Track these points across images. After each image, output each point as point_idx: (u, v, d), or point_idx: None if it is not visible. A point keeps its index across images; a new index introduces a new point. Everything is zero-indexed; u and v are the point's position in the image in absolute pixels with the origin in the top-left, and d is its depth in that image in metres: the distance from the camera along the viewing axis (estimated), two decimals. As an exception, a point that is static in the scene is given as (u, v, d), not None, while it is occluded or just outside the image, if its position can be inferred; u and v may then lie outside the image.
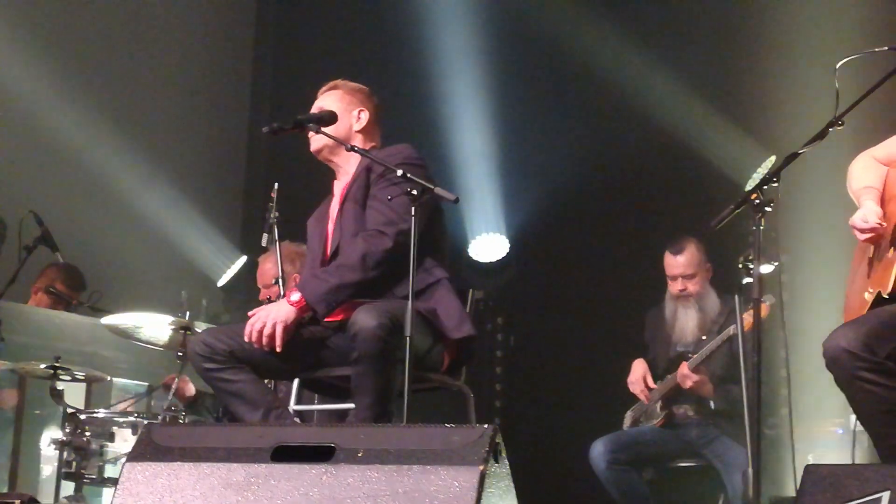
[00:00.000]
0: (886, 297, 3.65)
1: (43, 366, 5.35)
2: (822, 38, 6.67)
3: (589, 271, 7.48)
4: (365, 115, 4.49)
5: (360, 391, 4.03)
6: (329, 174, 4.66)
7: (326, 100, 4.52)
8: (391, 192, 4.23)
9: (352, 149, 4.36)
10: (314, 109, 4.50)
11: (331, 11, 8.26)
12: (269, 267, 5.73)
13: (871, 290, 3.71)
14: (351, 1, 8.35)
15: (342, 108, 4.48)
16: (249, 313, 4.22)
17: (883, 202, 3.82)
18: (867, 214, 3.71)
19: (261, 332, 4.12)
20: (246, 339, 4.15)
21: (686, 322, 5.91)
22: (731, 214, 3.96)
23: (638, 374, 5.96)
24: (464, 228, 7.69)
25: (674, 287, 5.93)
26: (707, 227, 4.01)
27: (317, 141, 4.45)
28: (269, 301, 5.63)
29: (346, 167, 4.46)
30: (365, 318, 3.97)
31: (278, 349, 4.13)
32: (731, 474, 5.53)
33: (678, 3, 7.55)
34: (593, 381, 6.96)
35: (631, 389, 5.98)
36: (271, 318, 4.13)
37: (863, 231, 3.71)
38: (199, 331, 5.02)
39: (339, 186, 4.51)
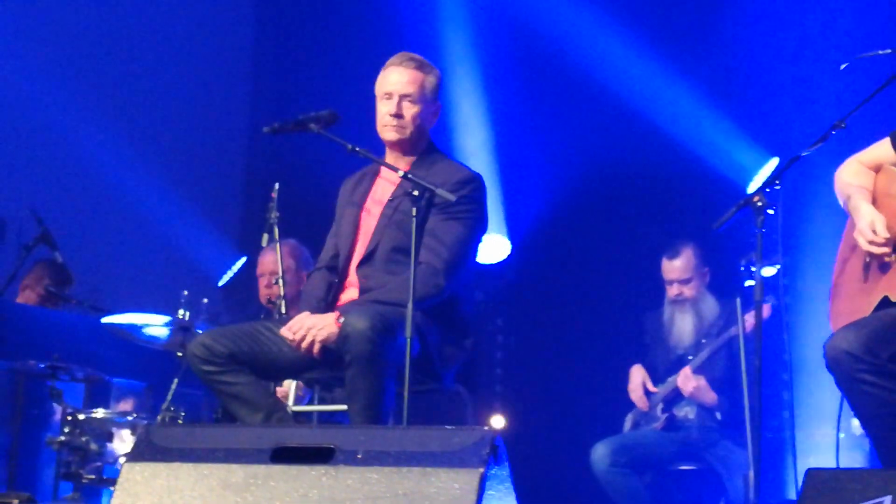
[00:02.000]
0: (894, 301, 3.63)
1: (41, 365, 5.34)
2: (825, 41, 6.66)
3: (590, 274, 7.47)
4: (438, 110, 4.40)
5: (353, 394, 3.99)
6: (331, 176, 4.63)
7: (407, 85, 4.29)
8: (452, 228, 4.18)
9: (427, 153, 4.31)
10: (388, 85, 4.28)
11: (332, 9, 8.25)
12: (271, 260, 5.70)
13: (877, 294, 3.69)
14: (352, -1, 8.35)
15: (426, 98, 4.31)
16: (289, 325, 4.13)
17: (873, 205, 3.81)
18: (876, 223, 3.68)
19: (301, 340, 4.10)
20: (286, 338, 4.12)
21: (683, 326, 5.92)
22: (732, 216, 3.95)
23: (637, 381, 5.96)
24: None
25: (670, 291, 5.95)
26: (709, 230, 4.01)
27: (400, 131, 4.27)
28: (270, 303, 5.63)
29: (400, 163, 4.31)
30: (356, 320, 3.93)
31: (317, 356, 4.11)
32: (732, 477, 5.52)
33: (679, 6, 7.54)
34: (594, 384, 6.95)
35: (630, 397, 5.98)
36: (313, 332, 4.08)
37: (872, 243, 3.68)
38: (199, 331, 5.02)
39: (389, 178, 4.36)
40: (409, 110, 4.27)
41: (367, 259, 4.28)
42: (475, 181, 4.29)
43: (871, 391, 3.51)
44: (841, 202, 3.91)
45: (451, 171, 4.29)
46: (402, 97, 4.27)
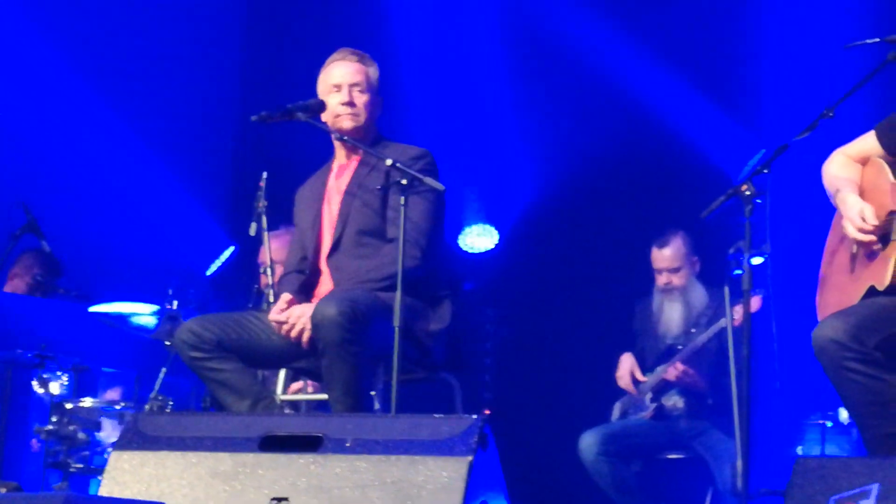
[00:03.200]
0: (881, 290, 3.65)
1: (29, 354, 5.33)
2: (815, 29, 6.67)
3: (579, 263, 7.48)
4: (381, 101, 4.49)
5: (330, 382, 4.02)
6: (318, 165, 4.64)
7: (353, 74, 4.42)
8: (416, 202, 4.25)
9: (377, 142, 4.38)
10: (335, 78, 4.40)
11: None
12: (272, 248, 5.71)
13: (863, 283, 3.70)
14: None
15: (372, 88, 4.44)
16: (281, 316, 4.19)
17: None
18: (865, 211, 3.69)
19: (290, 328, 4.16)
20: (276, 321, 4.18)
21: (671, 315, 5.93)
22: (720, 205, 3.96)
23: (625, 368, 5.97)
24: (454, 219, 7.67)
25: (659, 280, 5.95)
26: (698, 219, 4.01)
27: (355, 118, 4.37)
28: (257, 290, 5.63)
29: (351, 151, 4.44)
30: (324, 308, 3.97)
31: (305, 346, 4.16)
32: (721, 466, 5.54)
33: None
34: (583, 373, 6.96)
35: (619, 383, 5.99)
36: (302, 322, 4.14)
37: (861, 230, 3.69)
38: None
39: (346, 167, 4.46)
40: (360, 98, 4.39)
41: (335, 248, 4.33)
42: (427, 155, 4.40)
43: (858, 379, 3.52)
44: (829, 195, 3.92)
45: (404, 150, 4.39)
46: (352, 86, 4.39)
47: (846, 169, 3.89)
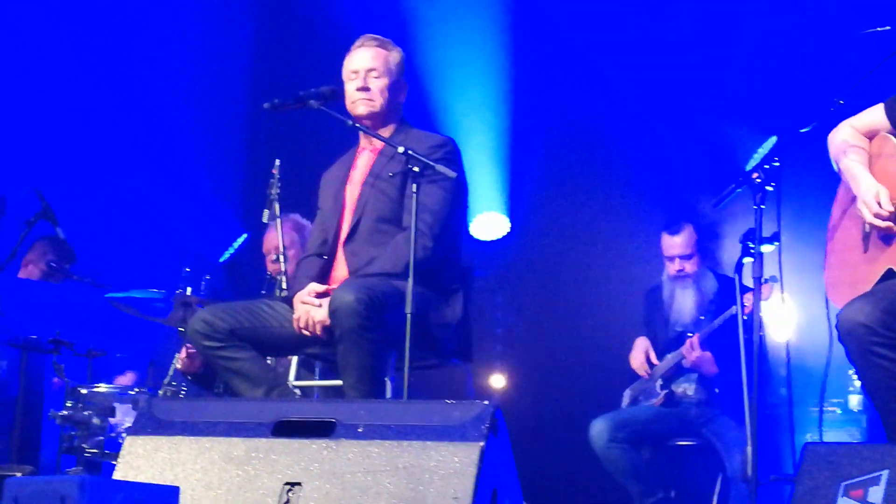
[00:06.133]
0: None
1: (44, 340, 5.35)
2: (825, 17, 6.65)
3: (589, 251, 7.48)
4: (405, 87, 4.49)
5: (345, 369, 4.03)
6: (331, 152, 4.65)
7: (370, 60, 4.41)
8: (433, 191, 4.26)
9: (399, 128, 4.36)
10: (353, 64, 4.40)
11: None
12: (275, 236, 5.74)
13: (881, 265, 3.69)
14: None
15: (391, 72, 4.43)
16: (295, 316, 4.22)
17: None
18: (881, 195, 3.68)
19: (305, 327, 4.19)
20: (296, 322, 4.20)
21: (684, 302, 5.93)
22: (731, 194, 3.96)
23: (640, 350, 5.99)
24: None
25: (671, 268, 5.94)
26: (708, 207, 4.02)
27: (369, 104, 4.37)
28: (271, 278, 5.65)
29: (374, 139, 4.42)
30: (342, 295, 3.97)
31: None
32: (730, 453, 5.55)
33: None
34: (593, 360, 6.98)
35: (632, 364, 6.00)
36: (315, 319, 4.16)
37: (878, 216, 3.68)
38: (200, 307, 5.03)
39: (370, 152, 4.47)
40: (376, 83, 4.38)
41: (352, 233, 4.33)
42: (448, 143, 4.40)
43: (884, 364, 3.52)
44: (834, 164, 3.91)
45: (426, 137, 4.40)
46: (368, 72, 4.39)
47: (854, 140, 3.88)
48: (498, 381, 7.51)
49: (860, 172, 3.78)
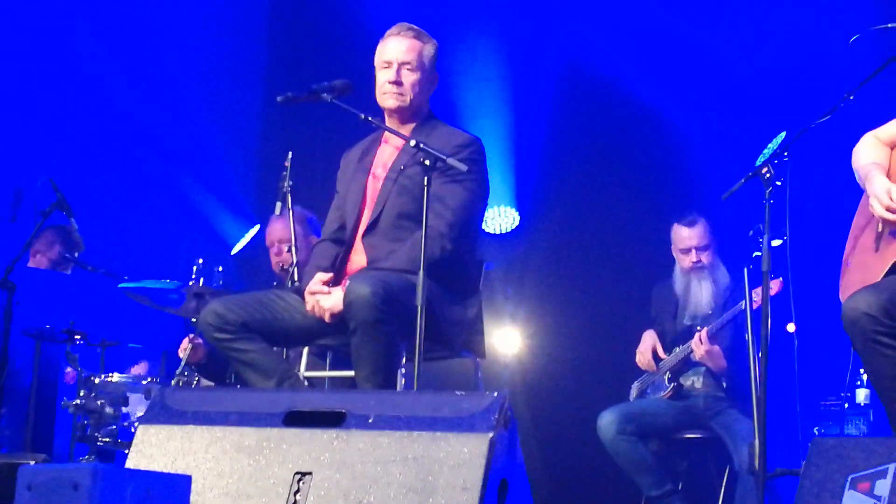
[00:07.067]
0: None
1: (58, 330, 5.39)
2: (835, 13, 6.64)
3: (599, 244, 7.49)
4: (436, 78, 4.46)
5: (359, 361, 4.03)
6: (344, 146, 4.66)
7: (406, 52, 4.35)
8: (454, 190, 4.23)
9: (426, 122, 4.35)
10: (387, 54, 4.35)
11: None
12: (278, 228, 5.81)
13: (888, 259, 3.71)
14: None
15: (424, 66, 4.38)
16: (308, 308, 4.23)
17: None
18: (892, 189, 3.70)
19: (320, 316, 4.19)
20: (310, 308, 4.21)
21: (700, 294, 5.93)
22: (740, 187, 3.98)
23: (647, 344, 6.00)
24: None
25: (686, 260, 5.95)
26: (717, 201, 4.03)
27: (399, 98, 4.32)
28: (282, 270, 5.69)
29: (401, 130, 4.35)
30: (358, 287, 3.96)
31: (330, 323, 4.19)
32: (738, 446, 5.56)
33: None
34: (602, 352, 6.99)
35: (638, 360, 6.02)
36: (323, 308, 4.16)
37: (889, 209, 3.70)
38: (211, 298, 5.06)
39: (392, 145, 4.42)
40: (408, 77, 4.33)
41: (372, 226, 4.31)
42: (474, 144, 4.36)
43: (888, 353, 3.53)
44: (857, 177, 3.92)
45: (451, 135, 4.35)
46: (402, 65, 4.33)
47: (875, 151, 3.89)
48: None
49: (874, 173, 3.79)
